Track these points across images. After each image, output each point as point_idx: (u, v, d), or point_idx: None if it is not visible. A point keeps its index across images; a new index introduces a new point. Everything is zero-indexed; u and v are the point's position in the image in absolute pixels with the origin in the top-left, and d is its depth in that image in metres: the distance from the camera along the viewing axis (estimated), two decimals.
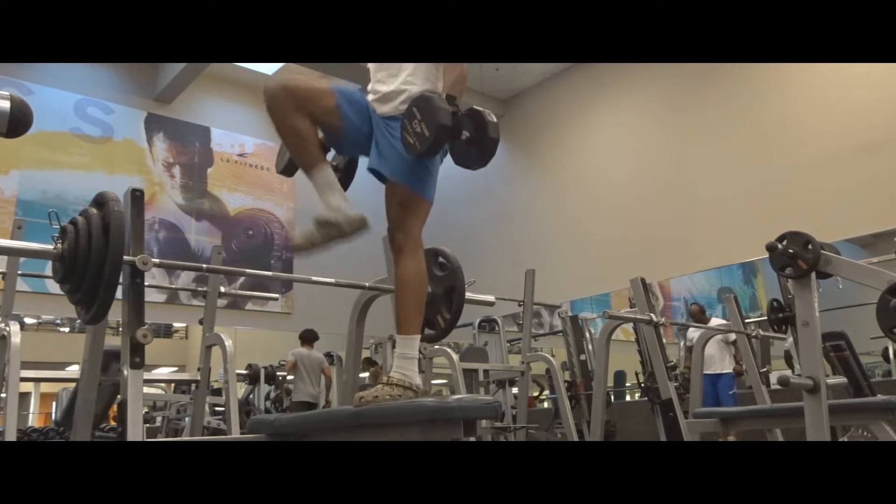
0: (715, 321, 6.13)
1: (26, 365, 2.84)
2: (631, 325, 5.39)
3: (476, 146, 1.69)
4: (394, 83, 1.84)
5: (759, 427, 3.30)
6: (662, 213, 7.26)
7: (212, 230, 8.29)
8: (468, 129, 1.67)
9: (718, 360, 5.94)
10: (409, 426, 1.46)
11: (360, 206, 1.80)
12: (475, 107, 1.71)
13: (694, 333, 6.02)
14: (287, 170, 1.98)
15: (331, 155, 1.95)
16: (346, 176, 1.99)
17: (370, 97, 1.90)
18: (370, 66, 1.95)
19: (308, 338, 6.96)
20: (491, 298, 2.56)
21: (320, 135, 1.87)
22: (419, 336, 1.77)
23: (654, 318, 3.18)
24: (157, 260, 1.64)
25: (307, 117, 1.77)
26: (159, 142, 8.11)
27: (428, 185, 1.82)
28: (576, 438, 4.18)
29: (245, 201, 8.66)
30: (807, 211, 6.02)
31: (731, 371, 5.91)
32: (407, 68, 1.84)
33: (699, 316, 6.26)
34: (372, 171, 1.83)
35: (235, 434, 3.00)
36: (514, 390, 5.39)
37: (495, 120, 1.71)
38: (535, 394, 7.57)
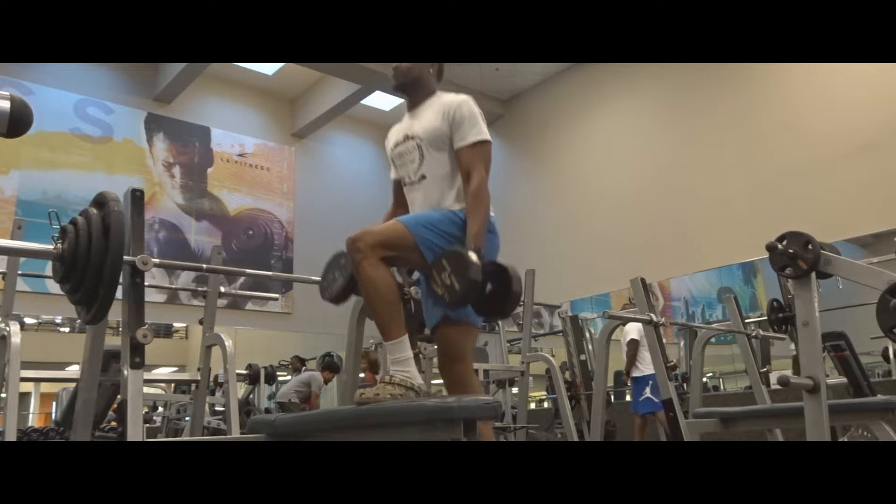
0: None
1: (26, 365, 2.83)
2: None
3: (499, 299, 1.76)
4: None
5: (759, 427, 3.30)
6: (662, 213, 7.27)
7: (212, 230, 8.29)
8: (492, 283, 1.74)
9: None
10: (408, 426, 1.46)
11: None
12: (499, 261, 1.80)
13: (629, 327, 5.84)
14: (340, 297, 2.05)
15: None
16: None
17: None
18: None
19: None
20: None
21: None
22: (405, 336, 1.78)
23: (654, 318, 3.18)
24: (157, 260, 1.64)
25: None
26: (159, 142, 8.11)
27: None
28: (576, 438, 4.18)
29: (245, 201, 8.66)
30: (807, 211, 6.02)
31: (650, 373, 5.85)
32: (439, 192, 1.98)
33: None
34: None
35: (235, 434, 3.00)
36: (514, 390, 5.38)
37: (519, 275, 1.79)
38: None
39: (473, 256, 1.70)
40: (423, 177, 2.02)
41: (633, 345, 5.78)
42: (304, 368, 7.16)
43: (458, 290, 1.68)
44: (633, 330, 5.79)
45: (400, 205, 2.16)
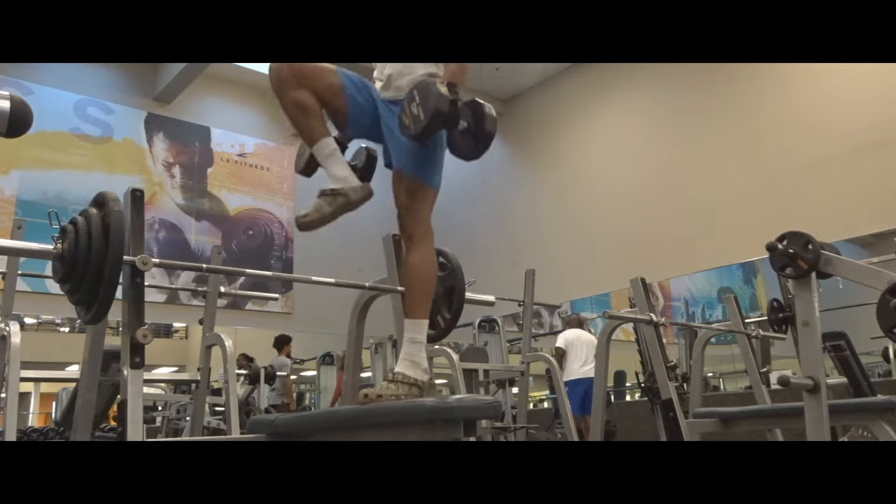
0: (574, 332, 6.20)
1: (26, 365, 2.83)
2: (631, 325, 5.39)
3: (472, 138, 1.73)
4: (397, 66, 1.85)
5: (759, 427, 3.30)
6: (662, 213, 7.26)
7: (212, 230, 8.29)
8: (466, 120, 1.70)
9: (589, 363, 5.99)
10: (408, 426, 1.46)
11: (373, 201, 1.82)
12: (477, 98, 1.73)
13: (569, 334, 6.20)
14: (306, 169, 1.96)
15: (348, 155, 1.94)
16: (366, 171, 1.95)
17: (377, 83, 1.92)
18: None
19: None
20: (491, 298, 2.56)
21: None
22: (427, 321, 1.77)
23: (654, 318, 3.18)
24: (157, 260, 1.63)
25: (312, 93, 1.78)
26: (159, 142, 8.11)
27: (433, 173, 1.84)
28: (576, 438, 4.18)
29: (245, 201, 8.66)
30: (807, 211, 6.02)
31: (566, 380, 5.93)
32: None
33: (577, 325, 6.42)
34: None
35: (235, 434, 3.00)
36: (514, 390, 5.39)
37: (494, 114, 1.73)
38: None
39: (442, 88, 1.66)
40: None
41: (559, 352, 6.10)
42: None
43: (423, 119, 1.64)
44: (560, 338, 6.19)
45: None
